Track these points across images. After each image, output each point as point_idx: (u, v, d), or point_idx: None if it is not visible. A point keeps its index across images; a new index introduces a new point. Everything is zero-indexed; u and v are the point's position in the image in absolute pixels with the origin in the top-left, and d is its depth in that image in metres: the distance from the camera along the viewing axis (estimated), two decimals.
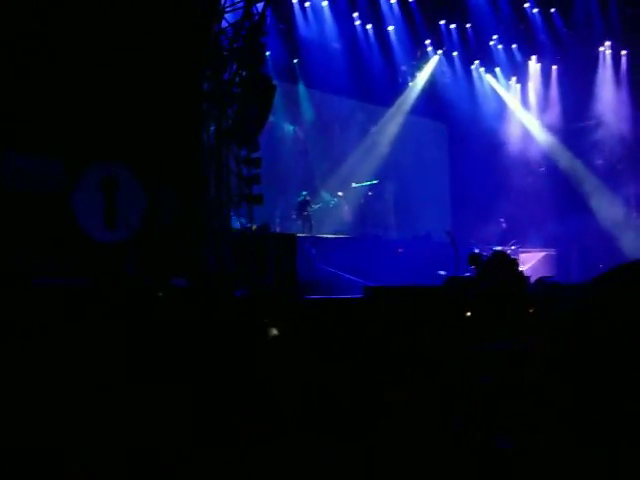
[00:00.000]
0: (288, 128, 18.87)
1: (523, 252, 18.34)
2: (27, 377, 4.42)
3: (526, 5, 19.64)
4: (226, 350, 5.12)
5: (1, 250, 10.36)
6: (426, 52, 20.59)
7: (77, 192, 11.91)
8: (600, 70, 20.55)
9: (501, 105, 22.05)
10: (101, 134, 11.92)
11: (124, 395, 4.15)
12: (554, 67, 21.27)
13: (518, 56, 21.27)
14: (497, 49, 21.07)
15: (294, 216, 17.83)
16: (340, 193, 19.61)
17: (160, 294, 7.95)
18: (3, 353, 4.83)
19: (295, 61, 18.18)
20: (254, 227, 14.34)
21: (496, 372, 3.93)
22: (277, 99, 14.96)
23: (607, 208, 20.19)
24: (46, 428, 3.82)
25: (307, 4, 17.68)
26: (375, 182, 19.57)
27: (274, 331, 5.79)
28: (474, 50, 20.98)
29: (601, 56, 20.57)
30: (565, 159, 21.14)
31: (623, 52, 20.58)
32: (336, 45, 18.50)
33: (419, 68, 20.86)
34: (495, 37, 20.65)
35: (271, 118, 14.97)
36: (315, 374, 4.35)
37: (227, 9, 13.92)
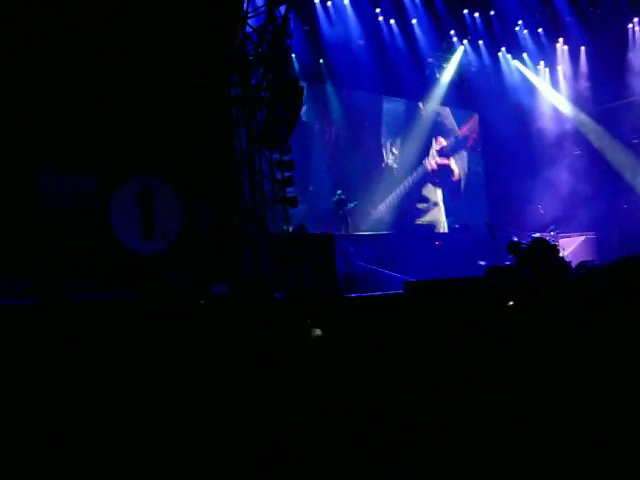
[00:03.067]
0: (318, 128, 18.81)
1: (563, 237, 18.13)
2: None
3: None
4: (270, 353, 5.14)
5: (41, 266, 10.52)
6: (452, 42, 20.48)
7: (114, 206, 12.08)
8: (630, 47, 20.20)
9: (531, 90, 21.82)
10: (134, 147, 12.07)
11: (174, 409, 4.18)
12: (582, 48, 21.01)
13: (544, 40, 21.08)
14: (523, 34, 20.91)
15: (330, 216, 17.80)
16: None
17: (202, 302, 8.01)
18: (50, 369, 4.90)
19: (321, 61, 18.16)
20: (291, 229, 14.40)
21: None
22: (305, 100, 14.99)
23: None
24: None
25: (329, 3, 17.67)
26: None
27: (317, 331, 5.80)
28: (500, 37, 20.83)
29: (630, 33, 20.23)
30: (600, 139, 20.84)
31: None
32: (361, 42, 18.48)
33: (446, 59, 20.76)
34: (520, 22, 20.50)
35: (301, 120, 14.98)
36: (360, 375, 4.35)
37: (250, 14, 13.98)
